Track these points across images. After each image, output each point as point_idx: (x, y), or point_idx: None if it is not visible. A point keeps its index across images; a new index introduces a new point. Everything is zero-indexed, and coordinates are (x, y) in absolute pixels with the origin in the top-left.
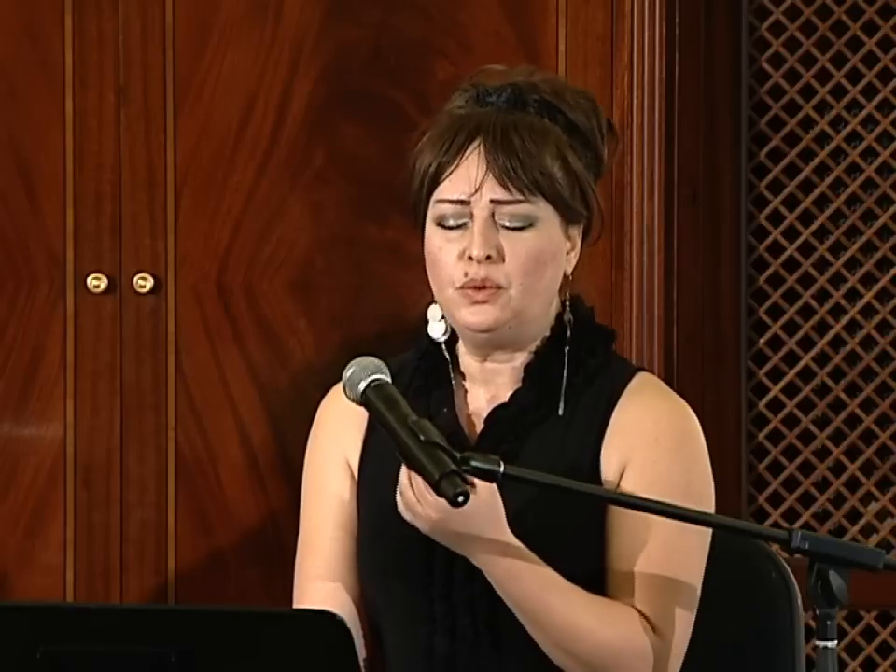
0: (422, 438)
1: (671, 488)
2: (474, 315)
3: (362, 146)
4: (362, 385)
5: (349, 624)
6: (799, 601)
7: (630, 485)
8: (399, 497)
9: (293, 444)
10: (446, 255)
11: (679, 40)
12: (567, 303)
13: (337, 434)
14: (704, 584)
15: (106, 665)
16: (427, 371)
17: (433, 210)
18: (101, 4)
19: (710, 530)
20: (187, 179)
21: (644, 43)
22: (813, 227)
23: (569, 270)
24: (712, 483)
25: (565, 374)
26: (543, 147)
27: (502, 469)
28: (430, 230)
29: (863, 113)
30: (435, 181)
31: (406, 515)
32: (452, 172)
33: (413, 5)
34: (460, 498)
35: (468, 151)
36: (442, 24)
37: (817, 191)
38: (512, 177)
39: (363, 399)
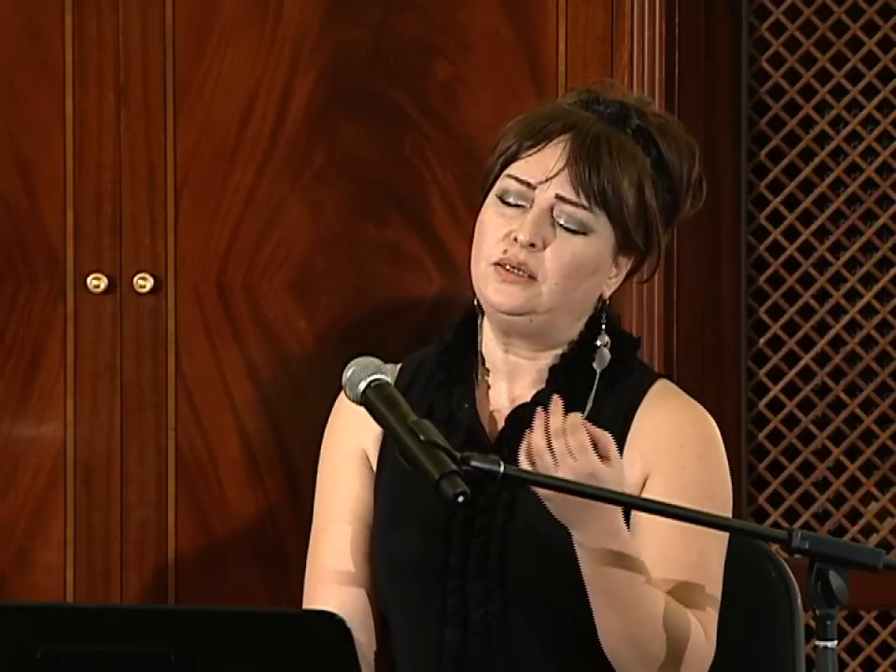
0: (422, 438)
1: (699, 494)
2: (498, 294)
3: (362, 146)
4: (362, 385)
5: (360, 617)
6: (799, 601)
7: (658, 491)
8: (533, 441)
9: (293, 444)
10: (494, 230)
11: (679, 40)
12: (604, 326)
13: (354, 426)
14: None
15: (106, 665)
16: (450, 366)
17: (500, 183)
18: (101, 4)
19: (727, 533)
20: (187, 179)
21: (644, 43)
22: (813, 227)
23: (607, 294)
24: (730, 487)
25: (596, 382)
26: (626, 169)
27: (502, 469)
28: (490, 200)
29: (863, 113)
30: (513, 157)
31: (546, 463)
32: (532, 154)
33: (412, 5)
34: (460, 498)
35: (554, 141)
36: (442, 24)
37: (817, 191)
38: (585, 184)
39: (363, 399)
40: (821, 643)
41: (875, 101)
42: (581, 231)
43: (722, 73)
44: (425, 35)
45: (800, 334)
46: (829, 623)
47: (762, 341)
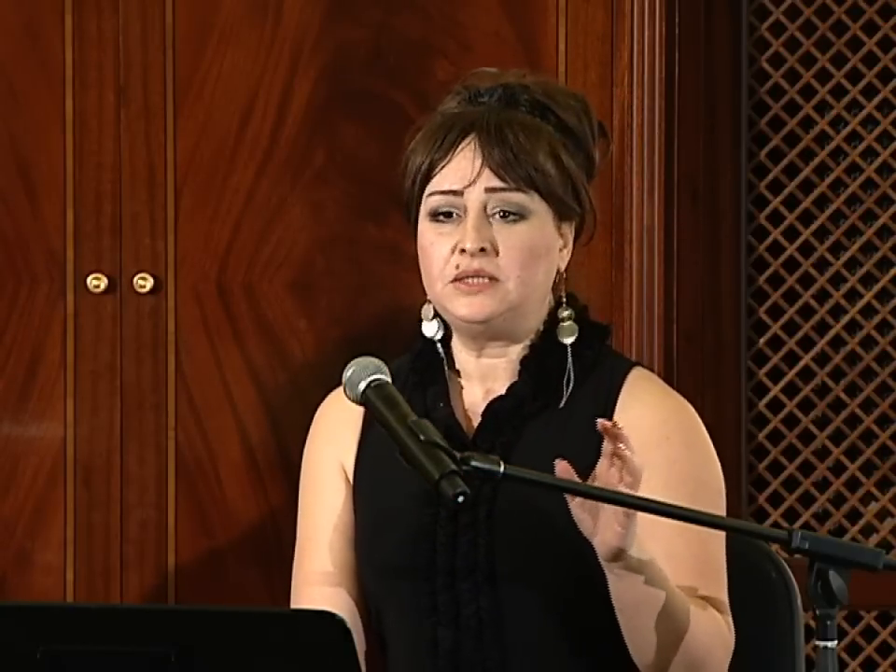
0: (422, 438)
1: (694, 485)
2: (468, 307)
3: (362, 146)
4: (362, 385)
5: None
6: (799, 601)
7: (652, 486)
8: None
9: (293, 444)
10: (438, 249)
11: (679, 40)
12: (564, 299)
13: (332, 440)
14: None
15: (106, 664)
16: (422, 369)
17: (425, 205)
18: (101, 4)
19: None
20: (187, 179)
21: (644, 43)
22: (813, 227)
23: (563, 266)
24: (721, 471)
25: (569, 367)
26: (536, 143)
27: (502, 469)
28: (423, 225)
29: (863, 113)
30: (427, 176)
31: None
32: (444, 166)
33: (412, 5)
34: (460, 498)
35: (461, 146)
36: (442, 24)
37: (817, 191)
38: (507, 169)
39: (363, 399)
40: (821, 643)
41: (875, 101)
42: (521, 214)
43: (722, 73)
44: (425, 35)
45: (800, 334)
46: (829, 622)
47: (762, 341)
